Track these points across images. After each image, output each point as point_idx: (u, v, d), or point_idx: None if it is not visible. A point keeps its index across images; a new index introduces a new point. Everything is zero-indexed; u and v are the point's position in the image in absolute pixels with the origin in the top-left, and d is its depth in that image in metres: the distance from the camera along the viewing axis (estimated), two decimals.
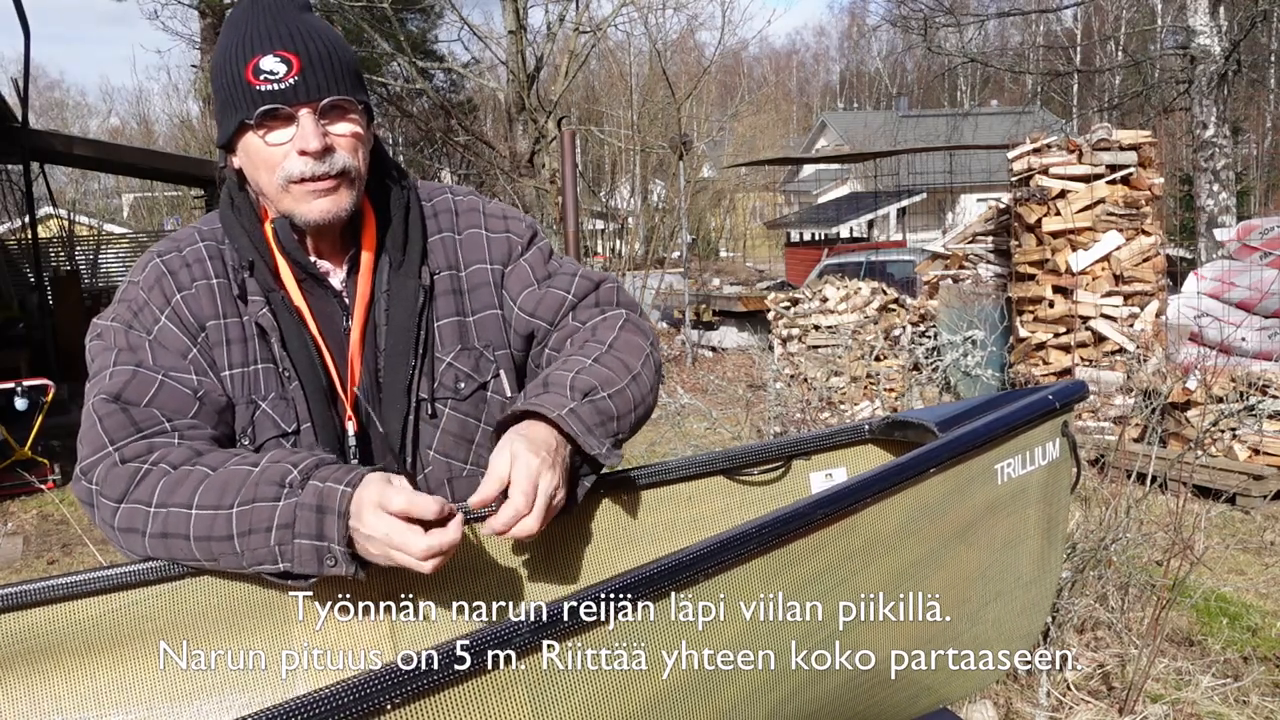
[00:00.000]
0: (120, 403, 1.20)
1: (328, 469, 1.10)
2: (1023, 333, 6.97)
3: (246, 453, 1.19)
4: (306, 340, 1.28)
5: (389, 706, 0.79)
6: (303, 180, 1.22)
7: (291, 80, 1.19)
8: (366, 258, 1.31)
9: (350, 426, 1.29)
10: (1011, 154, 7.20)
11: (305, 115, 1.21)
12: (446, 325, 1.34)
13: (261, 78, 1.19)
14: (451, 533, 1.05)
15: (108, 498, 1.17)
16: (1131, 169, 6.71)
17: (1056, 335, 6.85)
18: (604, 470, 1.25)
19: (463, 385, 1.34)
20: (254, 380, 1.28)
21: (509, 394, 1.36)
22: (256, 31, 1.21)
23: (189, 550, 1.13)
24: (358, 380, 1.31)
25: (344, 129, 1.24)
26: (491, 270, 1.37)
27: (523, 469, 1.11)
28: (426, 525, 1.04)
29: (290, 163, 1.22)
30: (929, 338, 7.90)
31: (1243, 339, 6.71)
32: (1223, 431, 5.74)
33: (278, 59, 1.19)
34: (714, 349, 13.26)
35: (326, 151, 1.22)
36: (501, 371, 1.36)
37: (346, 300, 1.32)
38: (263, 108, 1.19)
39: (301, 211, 1.24)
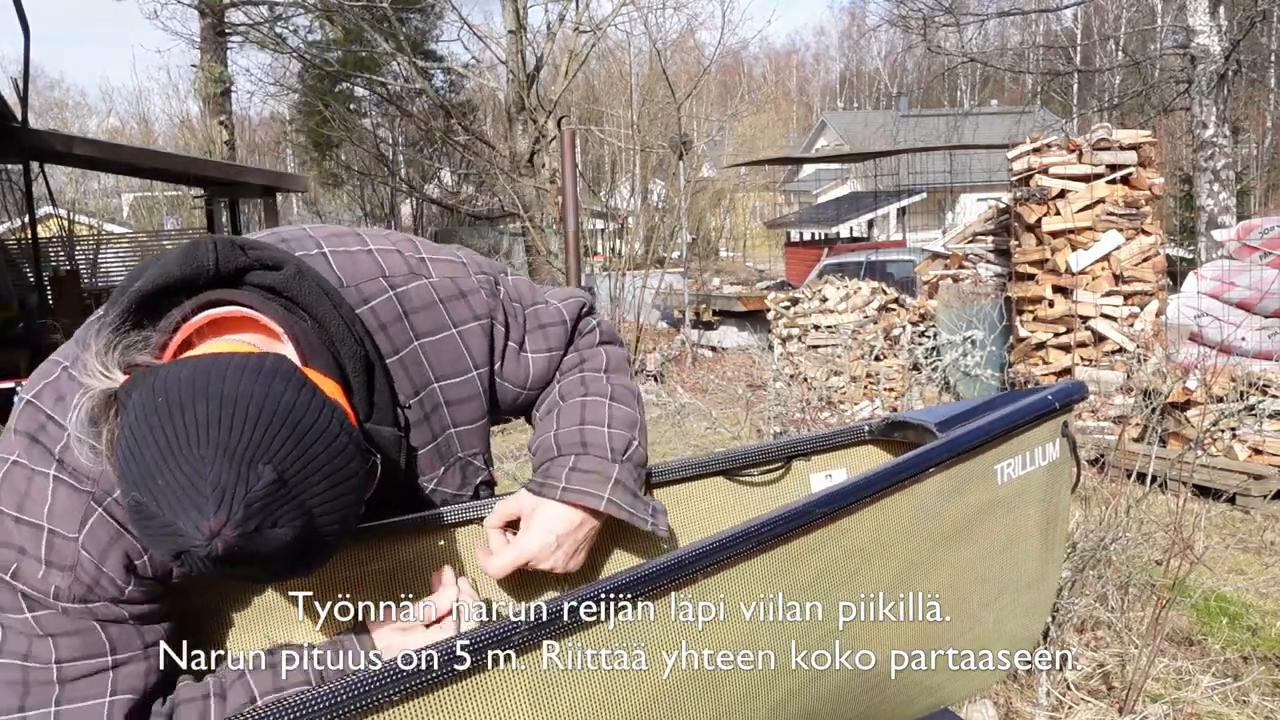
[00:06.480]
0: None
1: None
2: (1022, 332, 6.97)
3: None
4: None
5: (388, 705, 0.79)
6: None
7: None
8: None
9: None
10: (1011, 154, 7.19)
11: None
12: (425, 454, 1.18)
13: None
14: None
15: None
16: (1131, 169, 6.71)
17: (1056, 335, 6.85)
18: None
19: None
20: None
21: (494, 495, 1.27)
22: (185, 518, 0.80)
23: None
24: None
25: None
26: (479, 376, 1.18)
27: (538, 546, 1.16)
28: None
29: None
30: (929, 337, 7.90)
31: (1243, 339, 6.70)
32: (1223, 431, 5.74)
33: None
34: (714, 349, 13.26)
35: None
36: (488, 470, 1.27)
37: None
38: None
39: None
